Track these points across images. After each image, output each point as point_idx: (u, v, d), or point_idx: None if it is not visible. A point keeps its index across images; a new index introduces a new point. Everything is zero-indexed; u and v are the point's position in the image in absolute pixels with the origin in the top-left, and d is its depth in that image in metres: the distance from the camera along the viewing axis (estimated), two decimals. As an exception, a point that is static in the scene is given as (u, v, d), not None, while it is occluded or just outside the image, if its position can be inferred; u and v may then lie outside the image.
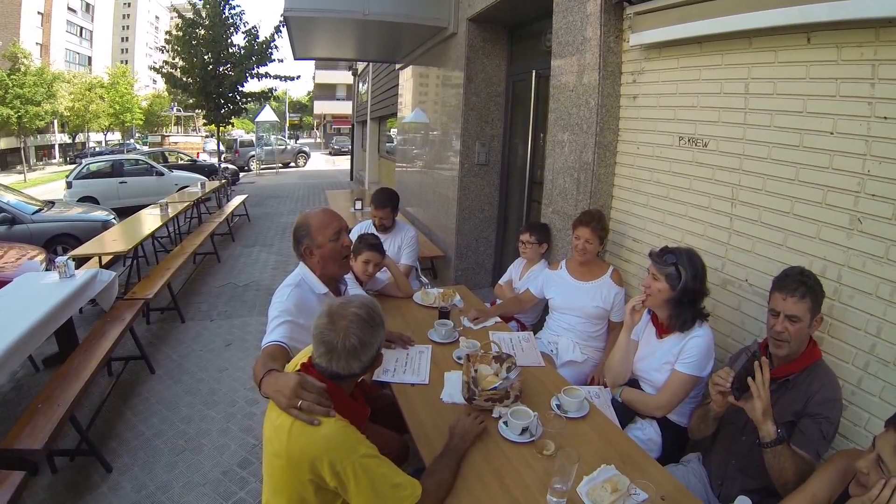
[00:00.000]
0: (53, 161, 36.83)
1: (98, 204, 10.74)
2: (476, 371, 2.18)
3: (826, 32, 1.95)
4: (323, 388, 1.48)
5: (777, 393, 1.83)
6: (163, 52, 14.14)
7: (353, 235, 3.68)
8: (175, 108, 48.28)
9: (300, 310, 2.03)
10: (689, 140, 2.66)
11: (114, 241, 5.78)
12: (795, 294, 1.75)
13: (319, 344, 1.50)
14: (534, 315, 3.60)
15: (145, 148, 29.97)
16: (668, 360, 2.26)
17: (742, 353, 1.82)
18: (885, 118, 1.78)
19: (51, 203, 8.43)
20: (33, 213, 7.56)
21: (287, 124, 44.47)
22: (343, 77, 33.27)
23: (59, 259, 3.92)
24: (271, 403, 1.55)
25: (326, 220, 2.14)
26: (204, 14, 13.85)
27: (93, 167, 12.66)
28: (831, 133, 1.96)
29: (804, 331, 1.77)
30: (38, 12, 39.09)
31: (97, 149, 33.46)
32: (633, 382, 2.44)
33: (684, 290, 2.18)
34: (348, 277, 3.06)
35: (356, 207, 7.48)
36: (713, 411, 1.89)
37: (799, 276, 1.79)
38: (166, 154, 17.59)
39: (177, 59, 14.02)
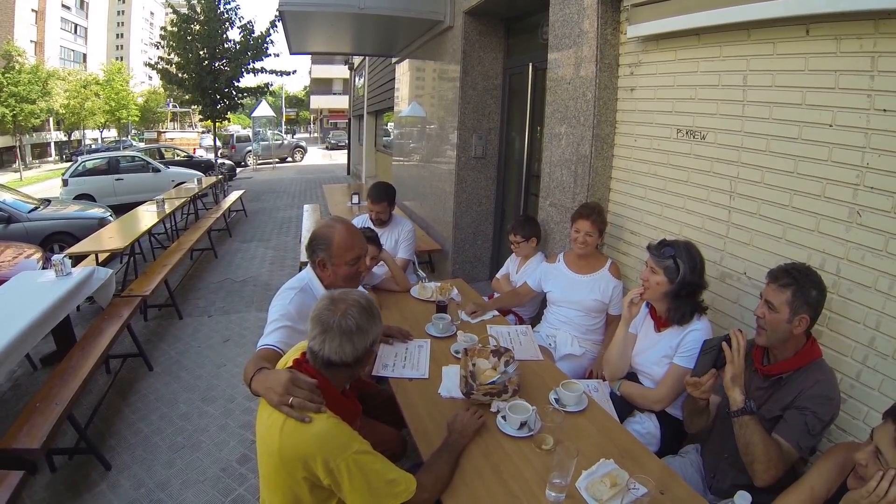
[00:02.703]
0: (49, 159, 36.68)
1: (94, 201, 10.69)
2: (474, 365, 2.18)
3: (825, 24, 1.93)
4: (314, 385, 1.47)
5: (770, 390, 1.83)
6: (158, 48, 14.11)
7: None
8: (171, 105, 48.09)
9: (301, 315, 2.00)
10: (687, 132, 2.64)
11: (110, 238, 5.76)
12: (777, 282, 1.76)
13: (316, 324, 1.49)
14: (532, 308, 3.60)
15: (141, 144, 29.89)
16: (666, 353, 2.26)
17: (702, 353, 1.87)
18: (885, 110, 1.76)
19: (47, 201, 8.40)
20: (29, 212, 7.53)
21: (283, 119, 44.24)
22: (339, 71, 33.15)
23: (56, 257, 3.91)
24: (262, 401, 1.55)
25: (350, 243, 2.08)
26: (199, 9, 13.78)
27: (89, 164, 12.59)
28: (830, 125, 1.94)
29: (782, 325, 1.74)
30: (33, 10, 38.81)
31: (93, 146, 33.36)
32: (632, 376, 2.44)
33: (682, 284, 2.17)
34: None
35: (353, 202, 7.46)
36: (699, 403, 1.91)
37: (791, 268, 1.78)
38: (162, 150, 17.50)
39: (172, 55, 13.97)
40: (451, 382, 2.23)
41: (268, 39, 14.36)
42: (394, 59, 9.61)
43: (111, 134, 43.11)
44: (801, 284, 1.73)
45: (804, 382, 1.74)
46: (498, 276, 3.89)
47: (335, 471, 1.40)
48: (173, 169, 13.70)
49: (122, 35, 61.22)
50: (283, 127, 41.84)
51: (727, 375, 1.76)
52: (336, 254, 2.06)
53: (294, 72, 15.75)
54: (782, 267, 1.80)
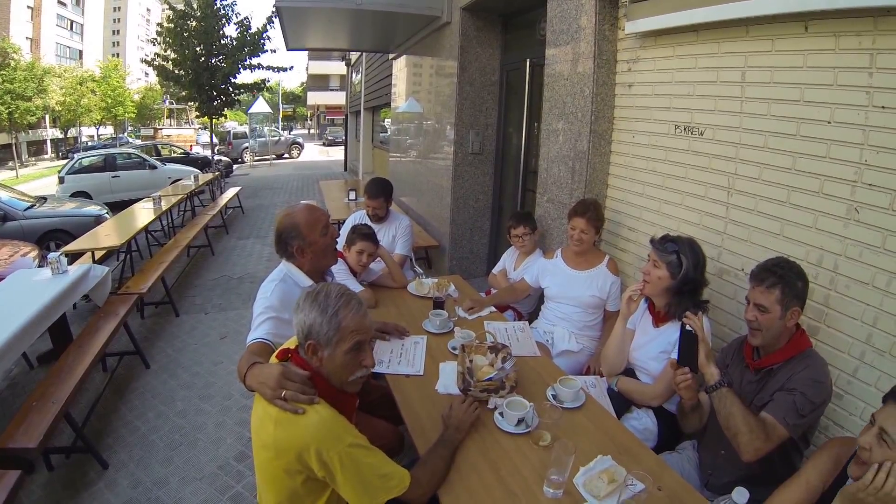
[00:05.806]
0: (45, 156, 36.48)
1: (91, 198, 10.64)
2: (471, 361, 2.17)
3: (824, 21, 1.93)
4: (306, 377, 1.48)
5: (762, 382, 1.84)
6: (154, 45, 13.99)
7: (347, 226, 3.67)
8: (167, 101, 47.75)
9: (284, 305, 2.01)
10: (684, 128, 2.64)
11: (107, 235, 5.72)
12: (763, 284, 1.77)
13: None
14: (531, 303, 3.60)
15: (138, 141, 29.73)
16: (664, 348, 2.26)
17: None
18: (883, 107, 1.76)
19: (43, 199, 8.36)
20: (25, 210, 7.51)
21: (280, 115, 44.05)
22: (336, 67, 32.96)
23: (52, 255, 3.88)
24: (257, 396, 1.55)
25: (314, 217, 2.13)
26: (195, 5, 13.68)
27: (85, 162, 12.55)
28: (828, 122, 1.94)
29: (776, 322, 1.76)
30: (28, 6, 38.65)
31: (89, 143, 33.20)
32: (629, 372, 2.44)
33: (685, 279, 2.18)
34: (343, 269, 3.05)
35: (350, 198, 7.45)
36: (686, 404, 1.93)
37: (773, 266, 1.79)
38: (159, 147, 17.45)
39: (168, 52, 13.86)
40: (448, 379, 2.22)
41: (264, 35, 14.27)
42: (391, 56, 9.59)
43: (107, 131, 42.90)
44: (787, 280, 1.75)
45: (794, 368, 1.76)
46: (495, 271, 3.88)
47: (328, 462, 1.40)
48: (170, 166, 13.67)
49: (118, 32, 60.86)
50: (280, 123, 41.72)
51: (701, 355, 1.82)
52: (307, 233, 2.10)
53: (291, 68, 15.69)
54: (763, 266, 1.81)
